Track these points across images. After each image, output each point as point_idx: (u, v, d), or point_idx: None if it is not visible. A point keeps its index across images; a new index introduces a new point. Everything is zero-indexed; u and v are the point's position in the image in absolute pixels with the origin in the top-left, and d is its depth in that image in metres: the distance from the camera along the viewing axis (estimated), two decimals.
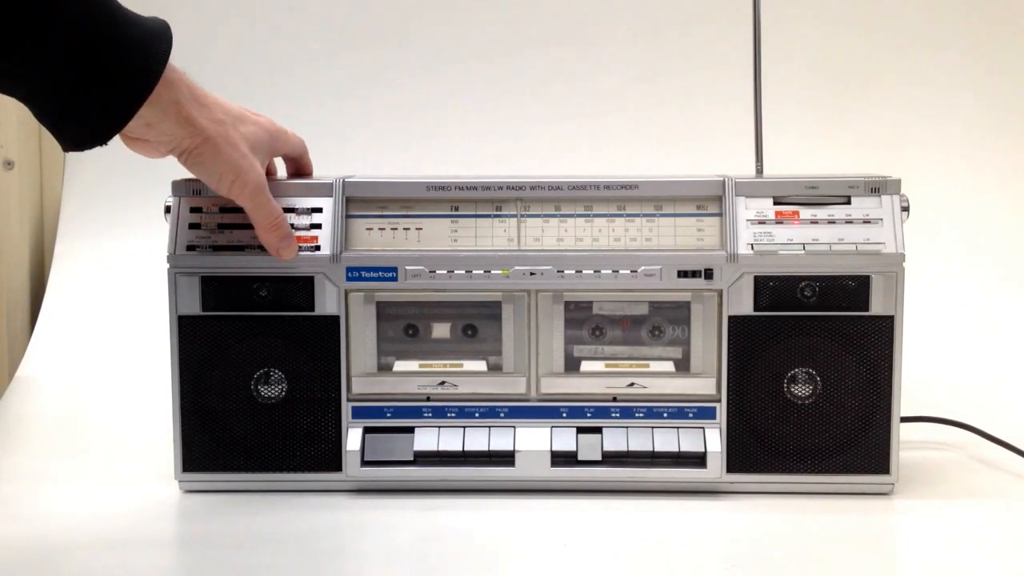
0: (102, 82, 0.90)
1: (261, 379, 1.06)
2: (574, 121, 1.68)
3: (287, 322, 1.06)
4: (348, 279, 1.06)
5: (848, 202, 1.06)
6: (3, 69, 0.87)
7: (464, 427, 1.07)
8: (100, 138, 0.92)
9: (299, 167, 1.14)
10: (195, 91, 0.98)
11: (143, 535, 1.00)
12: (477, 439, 1.06)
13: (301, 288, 1.06)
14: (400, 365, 1.08)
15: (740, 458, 1.06)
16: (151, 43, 0.93)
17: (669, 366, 1.08)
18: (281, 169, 1.15)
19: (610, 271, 1.06)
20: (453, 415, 1.07)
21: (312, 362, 1.06)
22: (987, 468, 1.15)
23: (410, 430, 1.07)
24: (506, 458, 1.06)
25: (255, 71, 1.68)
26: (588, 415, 1.07)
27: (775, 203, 1.06)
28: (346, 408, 1.07)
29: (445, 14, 1.71)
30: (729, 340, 1.05)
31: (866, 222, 1.05)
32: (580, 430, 1.07)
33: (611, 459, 1.06)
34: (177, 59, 0.95)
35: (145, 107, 0.92)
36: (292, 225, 1.05)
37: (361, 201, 1.07)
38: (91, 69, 0.89)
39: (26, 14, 0.85)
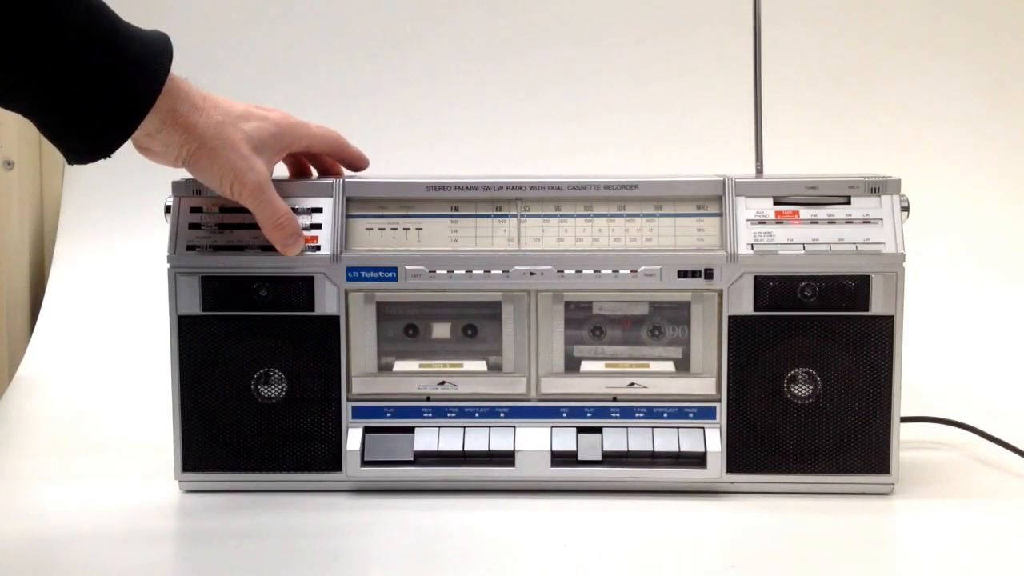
0: (104, 97, 0.90)
1: (261, 379, 1.06)
2: (574, 121, 1.68)
3: (287, 322, 1.06)
4: (348, 279, 1.06)
5: (848, 202, 1.06)
6: (5, 85, 0.87)
7: (464, 427, 1.07)
8: (103, 151, 0.92)
9: (328, 163, 1.12)
10: (192, 96, 0.97)
11: (143, 535, 1.00)
12: (477, 439, 1.06)
13: (301, 288, 1.06)
14: (400, 365, 1.08)
15: (740, 458, 1.06)
16: (152, 57, 0.93)
17: (669, 366, 1.08)
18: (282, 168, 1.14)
19: (610, 271, 1.06)
20: (453, 415, 1.07)
21: (312, 362, 1.06)
22: (987, 468, 1.15)
23: (410, 430, 1.07)
24: (506, 458, 1.06)
25: (255, 72, 1.68)
26: (588, 415, 1.07)
27: (775, 203, 1.06)
28: (346, 408, 1.07)
29: (446, 15, 1.71)
30: (729, 340, 1.05)
31: (866, 222, 1.05)
32: (580, 430, 1.07)
33: (611, 459, 1.06)
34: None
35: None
36: None
37: (361, 201, 1.07)
38: (93, 84, 0.89)
39: (26, 31, 0.85)
